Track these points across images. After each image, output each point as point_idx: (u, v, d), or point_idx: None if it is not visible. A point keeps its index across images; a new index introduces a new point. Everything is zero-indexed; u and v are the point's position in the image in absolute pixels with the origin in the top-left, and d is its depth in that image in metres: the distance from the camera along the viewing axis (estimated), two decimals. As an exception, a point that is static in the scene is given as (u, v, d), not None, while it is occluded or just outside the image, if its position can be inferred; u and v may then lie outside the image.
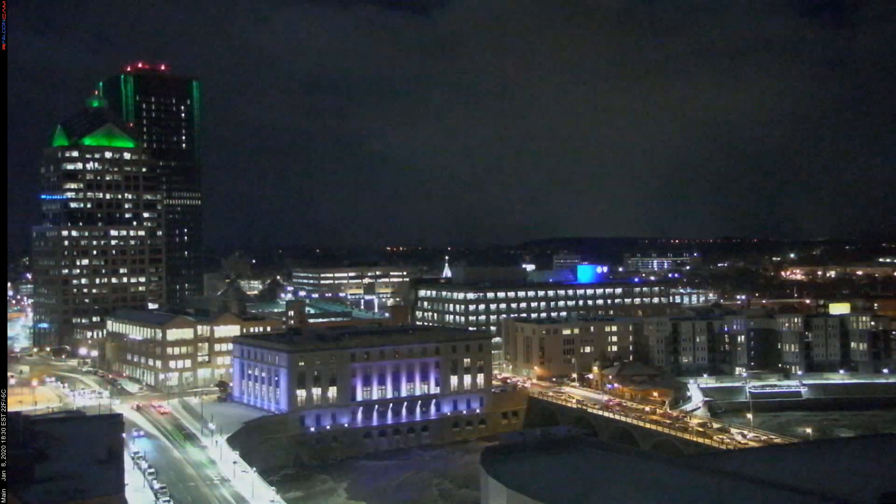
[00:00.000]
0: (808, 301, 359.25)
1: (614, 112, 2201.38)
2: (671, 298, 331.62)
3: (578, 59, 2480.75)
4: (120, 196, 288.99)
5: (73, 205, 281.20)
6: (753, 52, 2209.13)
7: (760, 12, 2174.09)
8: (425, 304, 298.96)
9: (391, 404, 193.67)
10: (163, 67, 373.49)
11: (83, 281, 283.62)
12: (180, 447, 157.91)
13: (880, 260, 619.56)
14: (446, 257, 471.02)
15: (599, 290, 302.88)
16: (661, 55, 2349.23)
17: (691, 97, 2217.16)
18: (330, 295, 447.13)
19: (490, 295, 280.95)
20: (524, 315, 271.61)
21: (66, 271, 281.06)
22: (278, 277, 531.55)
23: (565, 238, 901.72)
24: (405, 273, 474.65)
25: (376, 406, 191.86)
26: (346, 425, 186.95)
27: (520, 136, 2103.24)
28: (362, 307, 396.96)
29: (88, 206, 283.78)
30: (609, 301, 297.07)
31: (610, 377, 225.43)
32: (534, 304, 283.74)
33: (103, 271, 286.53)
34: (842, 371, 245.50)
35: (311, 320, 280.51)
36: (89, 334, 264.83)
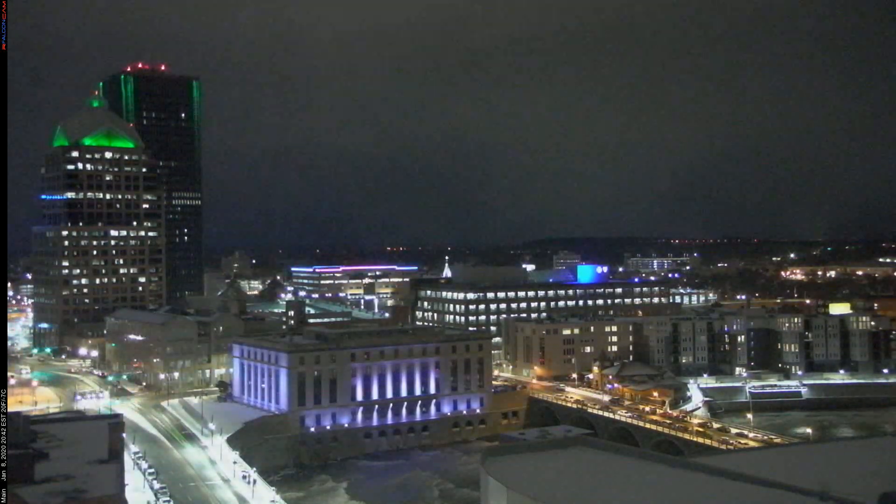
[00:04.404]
0: (808, 301, 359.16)
1: (615, 110, 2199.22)
2: (671, 298, 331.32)
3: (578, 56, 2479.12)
4: (120, 196, 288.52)
5: (73, 205, 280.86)
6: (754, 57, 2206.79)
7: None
8: (425, 304, 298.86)
9: (391, 404, 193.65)
10: (163, 67, 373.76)
11: (83, 281, 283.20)
12: (180, 447, 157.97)
13: (880, 260, 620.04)
14: (446, 257, 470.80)
15: (599, 290, 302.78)
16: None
17: (693, 97, 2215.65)
18: (330, 295, 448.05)
19: (490, 295, 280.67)
20: (524, 315, 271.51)
21: (66, 271, 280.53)
22: (278, 277, 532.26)
23: (565, 238, 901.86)
24: (405, 273, 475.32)
25: (376, 406, 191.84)
26: (346, 425, 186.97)
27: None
28: (362, 307, 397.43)
29: (88, 206, 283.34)
30: (609, 301, 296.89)
31: (610, 377, 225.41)
32: (534, 304, 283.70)
33: (103, 271, 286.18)
34: (842, 371, 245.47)
35: (311, 320, 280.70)
36: (89, 334, 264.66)
